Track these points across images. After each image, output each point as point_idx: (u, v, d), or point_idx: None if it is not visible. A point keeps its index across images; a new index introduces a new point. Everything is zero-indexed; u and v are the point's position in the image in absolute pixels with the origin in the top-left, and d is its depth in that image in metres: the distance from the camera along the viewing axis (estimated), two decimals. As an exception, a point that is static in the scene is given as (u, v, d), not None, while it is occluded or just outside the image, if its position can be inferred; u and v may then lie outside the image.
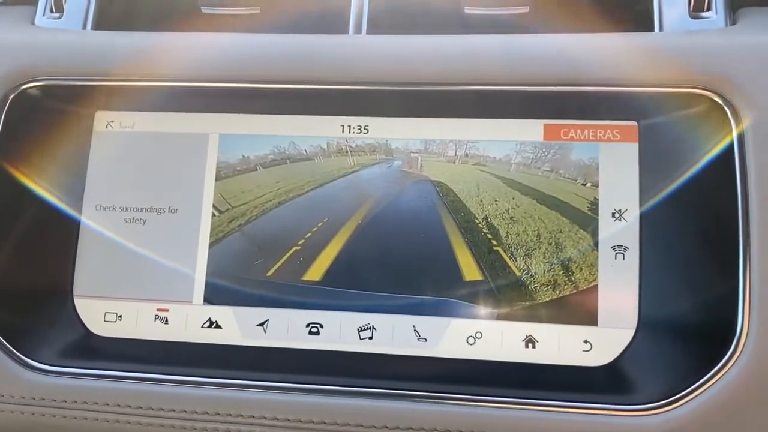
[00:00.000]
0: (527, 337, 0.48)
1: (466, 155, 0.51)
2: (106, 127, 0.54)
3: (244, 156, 0.52)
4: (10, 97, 0.50)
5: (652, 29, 0.50)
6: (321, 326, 0.50)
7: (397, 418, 0.43)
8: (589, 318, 0.47)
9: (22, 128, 0.51)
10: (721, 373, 0.41)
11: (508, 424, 0.42)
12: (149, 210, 0.52)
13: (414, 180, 0.51)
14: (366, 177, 0.52)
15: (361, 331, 0.49)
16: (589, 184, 0.49)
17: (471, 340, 0.48)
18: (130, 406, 0.45)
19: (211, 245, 0.51)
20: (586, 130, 0.49)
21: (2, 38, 0.52)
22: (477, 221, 0.50)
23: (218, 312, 0.51)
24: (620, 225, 0.48)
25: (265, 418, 0.44)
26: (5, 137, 0.50)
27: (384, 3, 0.54)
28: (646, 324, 0.46)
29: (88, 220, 0.53)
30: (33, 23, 0.56)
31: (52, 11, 0.56)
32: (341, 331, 0.49)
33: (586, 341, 0.47)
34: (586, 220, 0.48)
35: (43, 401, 0.46)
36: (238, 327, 0.50)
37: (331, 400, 0.44)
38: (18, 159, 0.51)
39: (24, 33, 0.54)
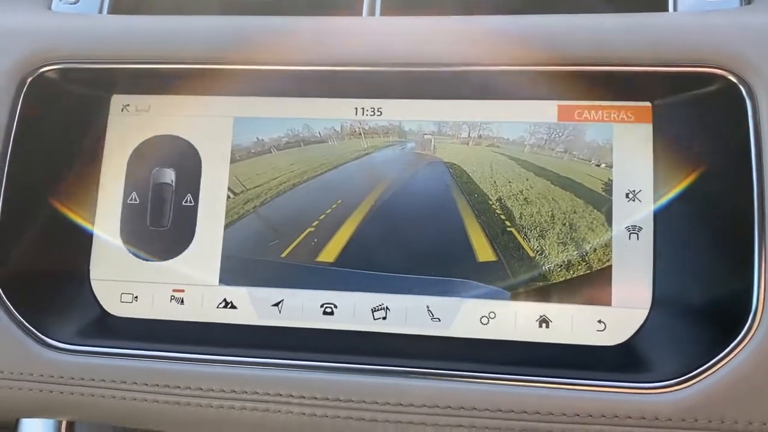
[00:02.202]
0: (541, 317, 0.48)
1: (480, 137, 0.51)
2: (122, 110, 0.54)
3: (258, 139, 0.53)
4: (28, 81, 0.50)
5: (666, 9, 0.50)
6: (335, 306, 0.50)
7: (411, 397, 0.43)
8: (603, 298, 0.47)
9: (40, 111, 0.51)
10: (734, 353, 0.41)
11: (522, 402, 0.43)
12: (165, 192, 0.53)
13: (427, 162, 0.51)
14: (379, 159, 0.52)
15: (375, 311, 0.49)
16: (603, 165, 0.49)
17: (484, 320, 0.48)
18: (146, 384, 0.46)
19: (226, 227, 0.52)
20: (600, 111, 0.49)
21: (20, 23, 0.53)
22: (490, 202, 0.50)
23: (234, 292, 0.51)
24: (634, 205, 0.48)
25: (280, 395, 0.44)
26: (23, 120, 0.50)
27: (397, -15, 0.54)
28: (659, 304, 0.46)
29: (104, 202, 0.53)
30: (50, 8, 0.56)
31: (68, -4, 0.57)
32: (355, 312, 0.50)
33: (599, 321, 0.47)
34: (600, 201, 0.48)
35: (61, 379, 0.47)
36: (254, 307, 0.51)
37: (344, 378, 0.44)
38: (35, 142, 0.51)
39: (41, 17, 0.54)
